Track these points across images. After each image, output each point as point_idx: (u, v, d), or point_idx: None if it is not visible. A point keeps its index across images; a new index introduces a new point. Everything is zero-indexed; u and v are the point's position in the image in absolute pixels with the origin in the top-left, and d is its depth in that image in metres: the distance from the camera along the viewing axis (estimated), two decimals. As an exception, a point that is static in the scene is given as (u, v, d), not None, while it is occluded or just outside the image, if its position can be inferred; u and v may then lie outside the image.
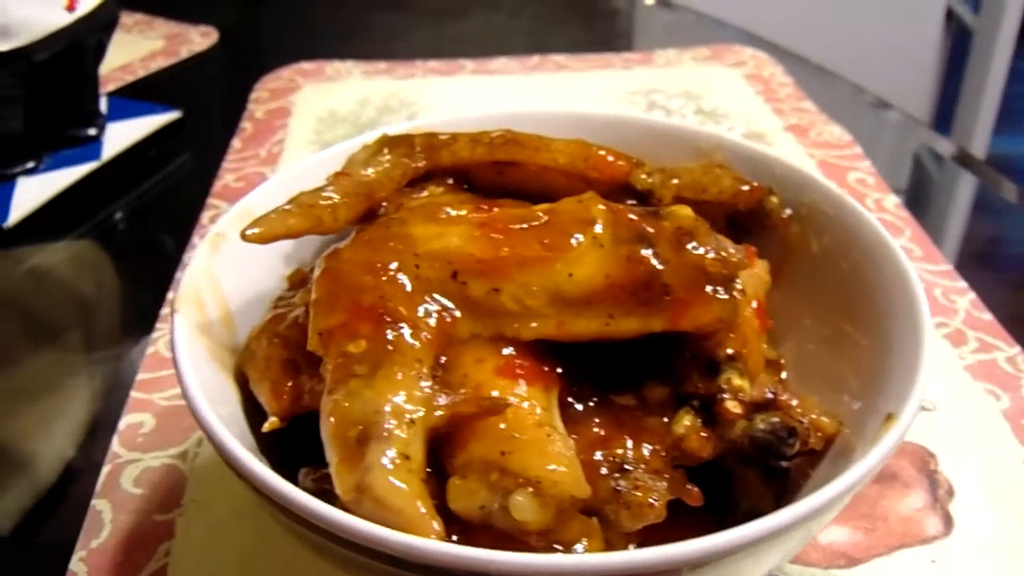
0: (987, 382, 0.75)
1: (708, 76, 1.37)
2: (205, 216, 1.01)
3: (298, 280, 0.60)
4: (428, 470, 0.44)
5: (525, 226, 0.50)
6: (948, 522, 0.63)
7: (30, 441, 0.77)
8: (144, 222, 1.10)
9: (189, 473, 0.68)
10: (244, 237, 0.52)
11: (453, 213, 0.52)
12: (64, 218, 1.06)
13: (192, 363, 0.51)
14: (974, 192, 1.19)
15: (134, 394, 0.76)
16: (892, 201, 1.00)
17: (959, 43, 2.96)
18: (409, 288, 0.48)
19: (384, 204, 0.60)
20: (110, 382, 0.82)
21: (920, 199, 1.13)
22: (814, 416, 0.54)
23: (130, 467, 0.68)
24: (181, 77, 1.46)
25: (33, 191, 1.06)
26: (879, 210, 0.98)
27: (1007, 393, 0.74)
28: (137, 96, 1.32)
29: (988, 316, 0.82)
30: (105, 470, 0.68)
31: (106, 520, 0.64)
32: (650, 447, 0.49)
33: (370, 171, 0.60)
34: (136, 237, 1.08)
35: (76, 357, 0.89)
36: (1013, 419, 0.72)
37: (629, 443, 0.49)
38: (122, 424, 0.73)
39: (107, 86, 1.35)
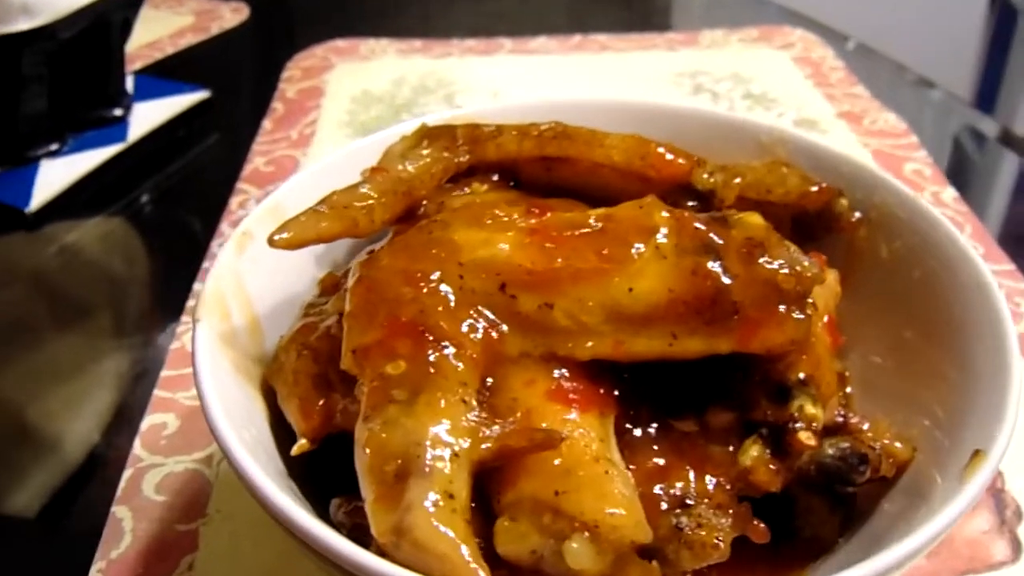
0: (1058, 392, 0.71)
1: (756, 58, 1.33)
2: (234, 202, 0.98)
3: (330, 285, 0.56)
4: (472, 505, 0.41)
5: (580, 234, 0.46)
6: (1016, 546, 0.59)
7: (52, 429, 0.75)
8: (171, 206, 1.07)
9: (214, 480, 0.64)
10: (272, 243, 0.48)
11: (501, 217, 0.48)
12: (89, 202, 1.03)
13: (214, 381, 0.47)
14: (1017, 172, 1.15)
15: (157, 392, 0.73)
16: (950, 195, 0.96)
17: (1004, 21, 2.90)
18: (452, 301, 0.45)
19: (424, 203, 0.56)
20: (134, 371, 0.80)
21: (963, 179, 1.09)
22: (886, 441, 0.50)
23: (152, 472, 0.65)
24: (211, 55, 1.43)
25: (57, 174, 1.04)
26: (937, 204, 0.94)
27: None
28: (165, 74, 1.29)
29: (1057, 319, 0.78)
30: (126, 474, 0.65)
31: (126, 529, 0.61)
32: (714, 479, 0.46)
33: (409, 166, 0.56)
34: (163, 222, 1.04)
35: (100, 343, 0.86)
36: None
37: (691, 474, 0.46)
38: (144, 424, 0.69)
39: (134, 64, 1.32)
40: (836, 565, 0.48)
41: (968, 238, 0.88)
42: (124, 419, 0.72)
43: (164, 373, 0.75)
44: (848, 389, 0.60)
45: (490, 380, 0.44)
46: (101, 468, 0.69)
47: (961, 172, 1.13)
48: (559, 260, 0.45)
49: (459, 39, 1.40)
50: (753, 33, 1.41)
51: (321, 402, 0.48)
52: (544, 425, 0.43)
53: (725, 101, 1.20)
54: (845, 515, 0.51)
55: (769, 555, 0.49)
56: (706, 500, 0.45)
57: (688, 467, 0.46)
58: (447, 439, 0.40)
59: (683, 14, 1.74)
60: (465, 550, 0.37)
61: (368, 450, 0.40)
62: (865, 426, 0.51)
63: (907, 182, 0.98)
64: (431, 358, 0.43)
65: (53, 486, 0.69)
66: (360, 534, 0.40)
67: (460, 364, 0.43)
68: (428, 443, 0.40)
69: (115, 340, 0.87)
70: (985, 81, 2.99)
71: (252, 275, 0.56)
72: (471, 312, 0.45)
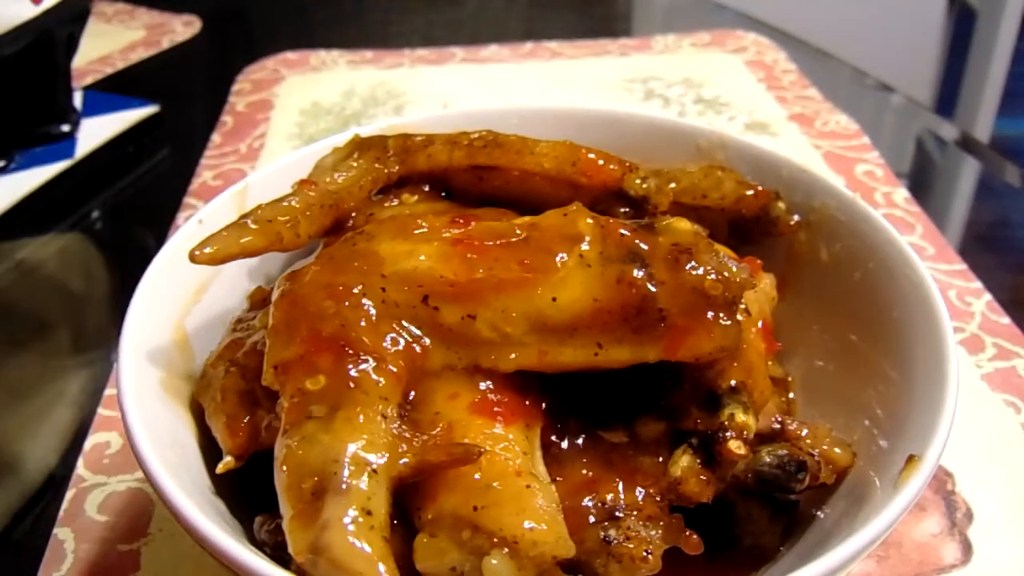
0: (1006, 392, 0.71)
1: (708, 63, 1.33)
2: (181, 217, 0.97)
3: (260, 300, 0.55)
4: (394, 522, 0.40)
5: (503, 243, 0.45)
6: (967, 549, 0.59)
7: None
8: (120, 222, 1.05)
9: (156, 499, 0.63)
10: (193, 259, 0.47)
11: (425, 228, 0.47)
12: (37, 218, 1.02)
13: (138, 400, 0.46)
14: (977, 176, 1.15)
15: (101, 411, 0.72)
16: (902, 195, 0.96)
17: (962, 24, 2.91)
18: (374, 314, 0.44)
19: (354, 215, 0.55)
20: (82, 389, 0.78)
21: (923, 183, 1.10)
22: (825, 447, 0.49)
23: (95, 492, 0.64)
24: (162, 69, 1.42)
25: (4, 191, 1.02)
26: (889, 205, 0.94)
27: (1028, 405, 0.69)
28: (116, 89, 1.28)
29: (1006, 320, 0.78)
30: (69, 495, 0.64)
31: (68, 550, 0.60)
32: (643, 491, 0.45)
33: (339, 177, 0.55)
34: (112, 238, 1.03)
35: (48, 361, 0.84)
36: (1035, 433, 0.67)
37: (620, 486, 0.45)
38: (88, 444, 0.68)
39: (84, 79, 1.31)
40: (778, 574, 0.48)
41: (920, 238, 0.88)
42: (71, 438, 0.71)
43: (108, 392, 0.74)
44: (791, 394, 0.59)
45: (413, 394, 0.44)
46: (46, 489, 0.68)
47: (922, 176, 1.14)
48: (481, 270, 0.44)
49: (410, 49, 1.39)
50: (705, 38, 1.40)
51: (247, 419, 0.47)
52: (466, 439, 0.42)
53: (676, 106, 1.19)
54: (787, 523, 0.50)
55: (711, 565, 0.48)
56: (635, 512, 0.44)
57: (617, 479, 0.45)
58: (365, 455, 0.39)
59: (643, 21, 1.74)
60: (382, 568, 0.37)
61: (286, 467, 0.40)
62: (804, 432, 0.50)
63: (859, 183, 0.98)
64: (351, 373, 0.42)
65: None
66: (282, 552, 0.39)
67: (381, 379, 0.42)
68: (346, 460, 0.39)
69: (63, 358, 0.85)
70: (945, 85, 3.01)
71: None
72: (393, 325, 0.44)
